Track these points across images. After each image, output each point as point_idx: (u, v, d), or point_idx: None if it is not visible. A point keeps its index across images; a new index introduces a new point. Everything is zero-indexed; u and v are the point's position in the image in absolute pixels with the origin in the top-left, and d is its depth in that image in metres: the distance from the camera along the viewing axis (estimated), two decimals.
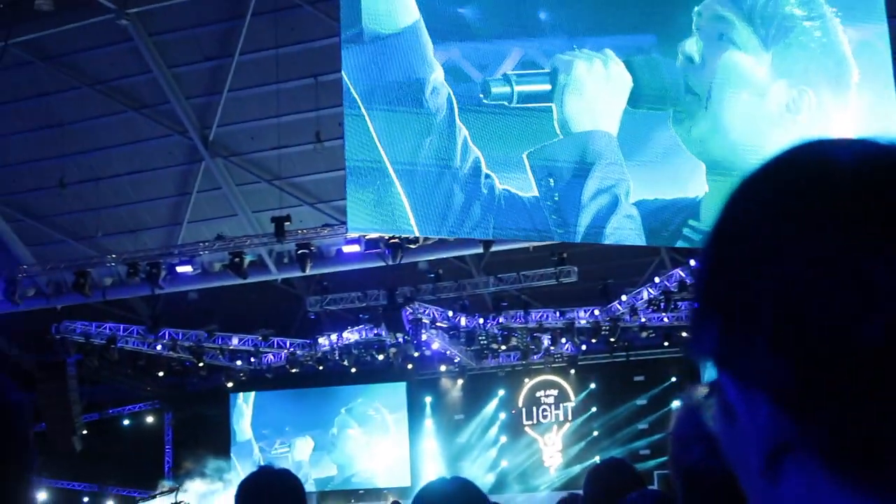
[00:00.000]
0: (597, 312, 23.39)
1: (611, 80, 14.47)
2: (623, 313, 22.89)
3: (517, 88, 14.10)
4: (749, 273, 0.75)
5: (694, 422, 1.82)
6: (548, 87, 14.28)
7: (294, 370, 26.34)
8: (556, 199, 13.99)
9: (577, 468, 25.30)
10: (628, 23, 14.70)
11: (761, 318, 0.74)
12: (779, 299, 0.73)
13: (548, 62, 14.40)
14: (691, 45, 14.70)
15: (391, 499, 20.59)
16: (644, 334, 24.14)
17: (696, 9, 14.80)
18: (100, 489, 27.62)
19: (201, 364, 25.14)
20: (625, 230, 14.34)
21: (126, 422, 29.08)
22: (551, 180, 14.05)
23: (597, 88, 14.45)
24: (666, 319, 23.15)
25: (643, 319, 23.11)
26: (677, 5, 15.09)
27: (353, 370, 26.15)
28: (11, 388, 1.65)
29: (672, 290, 21.15)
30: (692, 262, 19.58)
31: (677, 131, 14.71)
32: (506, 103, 14.13)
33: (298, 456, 26.97)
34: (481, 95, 14.12)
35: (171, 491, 22.27)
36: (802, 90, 14.71)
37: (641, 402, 25.86)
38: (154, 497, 23.40)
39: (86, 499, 26.78)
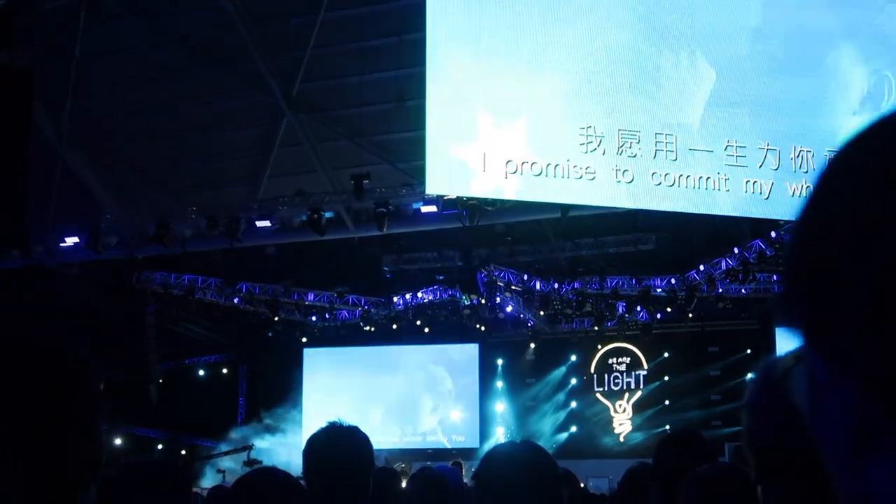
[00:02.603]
0: (673, 281, 23.29)
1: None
2: (700, 283, 22.76)
3: None
4: (849, 249, 0.70)
5: (771, 392, 1.85)
6: None
7: (368, 328, 26.63)
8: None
9: (647, 436, 25.33)
10: None
11: (858, 300, 0.69)
12: (880, 279, 0.68)
13: None
14: None
15: (458, 460, 20.74)
16: (720, 305, 23.97)
17: None
18: (173, 437, 28.15)
19: (276, 318, 25.50)
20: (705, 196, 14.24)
21: (201, 372, 29.57)
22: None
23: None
24: (743, 291, 22.99)
25: (720, 290, 22.96)
26: None
27: (426, 330, 26.36)
28: (80, 345, 1.68)
29: (751, 261, 20.97)
30: (773, 234, 19.41)
31: None
32: None
33: (367, 413, 27.22)
34: None
35: (243, 449, 22.66)
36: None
37: (714, 372, 25.77)
38: (228, 453, 23.78)
39: (159, 446, 27.31)
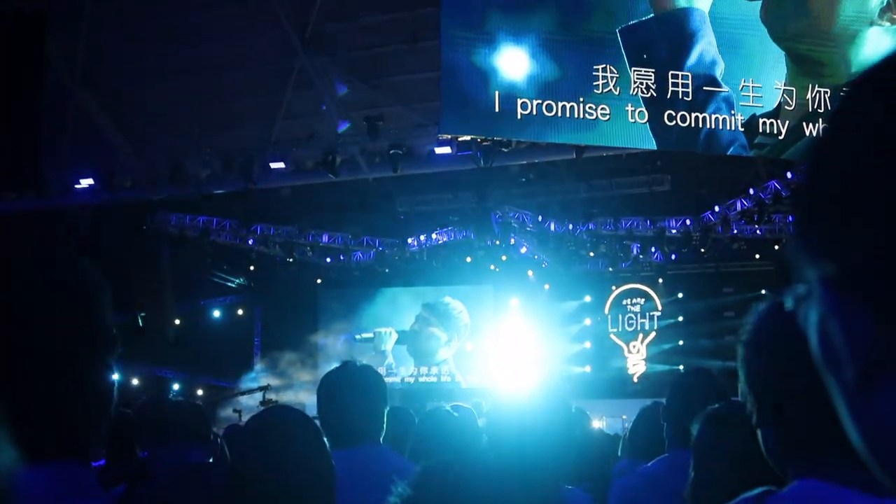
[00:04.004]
0: (688, 222, 23.25)
1: None
2: (715, 224, 22.71)
3: None
4: (863, 173, 0.70)
5: (775, 329, 1.84)
6: None
7: (382, 269, 26.70)
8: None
9: (660, 377, 25.39)
10: None
11: (871, 224, 0.69)
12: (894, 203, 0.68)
13: None
14: None
15: (473, 399, 20.79)
16: (735, 246, 23.95)
17: None
18: (190, 378, 28.31)
19: (291, 260, 25.57)
20: (719, 137, 14.15)
21: (217, 314, 29.70)
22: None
23: None
24: (758, 232, 22.95)
25: (735, 231, 22.92)
26: None
27: (441, 271, 26.42)
28: (89, 271, 1.66)
29: (766, 202, 20.91)
30: (788, 175, 19.33)
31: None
32: None
33: (382, 346, 27.31)
34: None
35: (259, 389, 22.79)
36: None
37: (729, 313, 25.75)
38: (244, 393, 23.92)
39: (176, 386, 27.45)
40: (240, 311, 29.88)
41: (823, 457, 1.63)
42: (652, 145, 14.31)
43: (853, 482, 1.57)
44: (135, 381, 25.28)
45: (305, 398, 21.15)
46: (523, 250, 25.10)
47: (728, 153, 14.54)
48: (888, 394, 0.71)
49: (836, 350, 0.75)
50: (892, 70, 0.72)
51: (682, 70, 13.81)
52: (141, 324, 23.67)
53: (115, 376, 1.66)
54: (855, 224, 0.70)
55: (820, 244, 0.74)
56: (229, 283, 28.76)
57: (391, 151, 17.95)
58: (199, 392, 27.89)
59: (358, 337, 27.18)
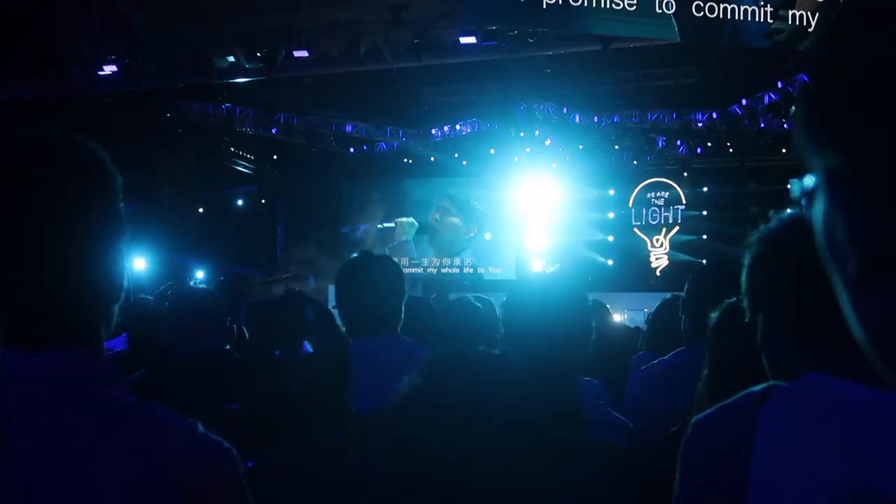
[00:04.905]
0: (714, 115, 23.04)
1: None
2: (742, 117, 22.50)
3: None
4: (883, 67, 0.68)
5: (786, 225, 1.85)
6: None
7: (406, 160, 26.64)
8: None
9: (683, 271, 25.40)
10: None
11: (882, 119, 0.68)
12: None
13: None
14: None
15: (495, 290, 20.81)
16: (762, 140, 23.73)
17: None
18: (213, 266, 28.48)
19: (314, 149, 25.54)
20: (746, 29, 13.97)
21: (240, 203, 29.78)
22: None
23: None
24: (786, 126, 22.71)
25: (762, 125, 22.71)
26: None
27: (465, 163, 26.34)
28: (99, 154, 1.64)
29: (795, 95, 20.67)
30: None
31: None
32: None
33: (403, 236, 27.37)
34: None
35: (282, 278, 22.93)
36: None
37: (754, 207, 25.62)
38: (267, 282, 24.07)
39: (199, 273, 27.55)
40: (263, 201, 29.97)
41: (829, 352, 1.62)
42: (678, 37, 14.11)
43: (859, 376, 1.57)
44: (157, 269, 25.50)
45: (326, 287, 21.30)
46: (547, 142, 24.95)
47: (755, 45, 14.34)
48: (890, 288, 0.71)
49: (840, 244, 0.75)
50: None
51: None
52: (164, 211, 23.80)
53: (127, 262, 1.66)
54: (867, 118, 0.69)
55: (829, 136, 0.73)
56: (252, 173, 28.75)
57: (415, 41, 17.76)
58: (222, 280, 28.04)
59: (379, 226, 27.23)
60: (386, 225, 27.26)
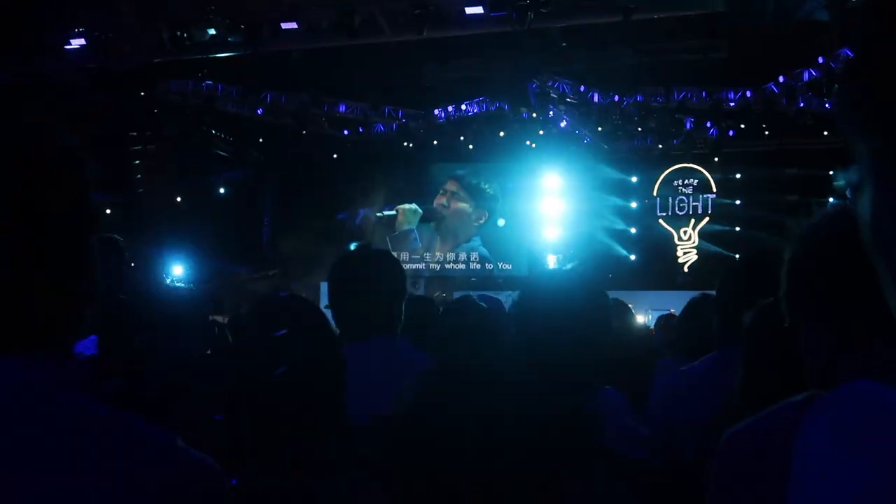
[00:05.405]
0: (748, 94, 23.01)
1: None
2: (779, 96, 22.47)
3: None
4: None
5: (830, 220, 1.84)
6: None
7: (405, 143, 26.63)
8: None
9: (713, 267, 25.36)
10: None
11: None
12: None
13: None
14: None
15: (505, 288, 20.78)
16: (801, 121, 23.69)
17: None
18: (193, 260, 28.38)
19: (304, 132, 25.52)
20: None
21: (221, 190, 29.71)
22: None
23: None
24: (827, 105, 22.68)
25: (801, 104, 22.67)
26: None
27: (471, 147, 26.33)
28: (67, 140, 1.62)
29: (838, 71, 20.63)
30: None
31: None
32: None
33: (405, 225, 27.34)
34: None
35: (269, 275, 22.96)
36: None
37: (792, 196, 25.59)
38: (252, 278, 24.06)
39: (178, 269, 27.37)
40: (247, 188, 29.94)
41: (879, 356, 1.62)
42: (717, 6, 14.11)
43: None
44: (132, 264, 25.45)
45: (319, 283, 21.32)
46: (563, 124, 24.95)
47: (799, 16, 14.35)
48: None
49: (888, 234, 0.75)
50: None
51: None
52: (139, 200, 23.80)
53: (97, 258, 1.65)
54: None
55: (877, 116, 0.72)
56: (235, 157, 28.68)
57: (416, 11, 17.74)
58: (203, 276, 28.04)
59: (379, 214, 27.20)
60: (386, 213, 27.23)
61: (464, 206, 27.41)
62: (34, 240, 1.54)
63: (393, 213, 27.28)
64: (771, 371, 2.77)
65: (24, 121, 1.60)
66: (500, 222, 27.38)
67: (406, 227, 27.32)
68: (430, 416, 1.58)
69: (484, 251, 27.39)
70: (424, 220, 27.43)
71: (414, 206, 27.39)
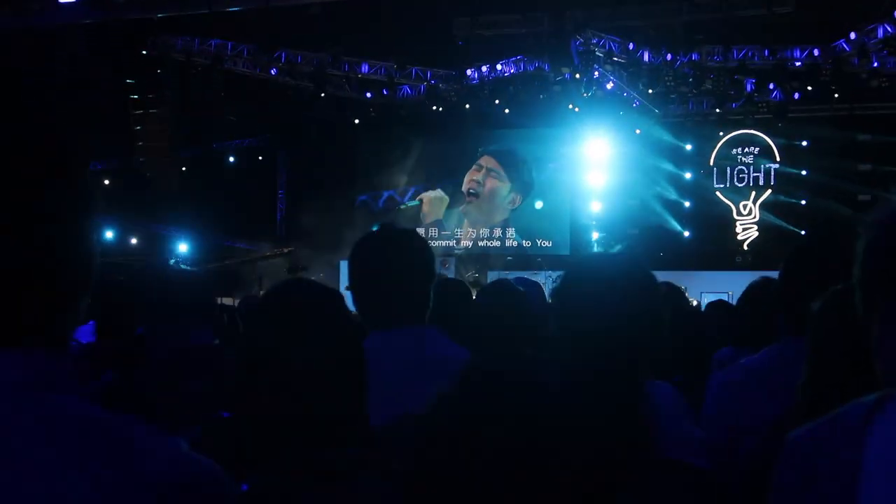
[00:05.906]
0: (816, 52, 22.89)
1: None
2: (850, 55, 22.35)
3: None
4: None
5: None
6: None
7: (435, 107, 26.60)
8: None
9: (776, 245, 25.27)
10: None
11: None
12: None
13: None
14: None
15: (545, 268, 20.75)
16: (875, 83, 23.55)
17: None
18: (199, 238, 28.46)
19: (323, 94, 25.53)
20: None
21: (231, 159, 29.74)
22: None
23: None
24: None
25: (875, 64, 22.53)
26: None
27: (507, 111, 26.28)
28: (57, 110, 1.62)
29: None
30: None
31: None
32: None
33: (432, 215, 27.37)
34: None
35: (283, 253, 23.00)
36: None
37: (864, 166, 25.45)
38: (265, 257, 24.07)
39: (182, 247, 27.33)
40: (260, 157, 29.99)
41: None
42: None
43: None
44: (133, 242, 25.58)
45: (338, 262, 21.35)
46: (609, 86, 24.88)
47: None
48: None
49: None
50: None
51: None
52: (140, 171, 23.86)
53: (96, 240, 1.65)
54: None
55: None
56: (246, 123, 28.74)
57: None
58: (210, 255, 28.14)
59: (402, 206, 27.23)
60: (409, 204, 27.26)
61: (500, 185, 27.41)
62: (34, 240, 1.54)
63: (416, 202, 27.30)
64: (839, 366, 2.76)
65: (24, 117, 1.60)
66: (538, 205, 27.35)
67: (433, 218, 27.37)
68: (465, 420, 1.57)
69: (519, 231, 27.43)
70: (452, 205, 27.48)
71: (439, 191, 27.41)
